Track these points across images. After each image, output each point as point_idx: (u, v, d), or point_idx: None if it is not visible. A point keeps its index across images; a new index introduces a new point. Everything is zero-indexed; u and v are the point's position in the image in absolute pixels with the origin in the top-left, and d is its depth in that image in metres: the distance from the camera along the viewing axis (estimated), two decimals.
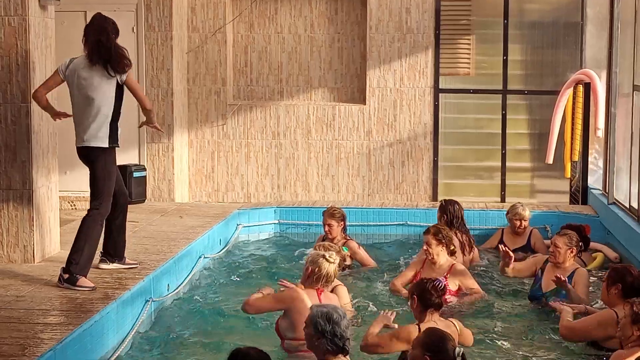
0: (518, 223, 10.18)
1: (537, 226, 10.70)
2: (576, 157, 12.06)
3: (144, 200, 12.07)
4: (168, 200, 12.34)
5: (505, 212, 10.50)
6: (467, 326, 6.84)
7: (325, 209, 9.84)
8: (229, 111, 12.88)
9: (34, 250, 8.39)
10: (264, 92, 13.08)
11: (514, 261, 8.59)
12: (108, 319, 6.87)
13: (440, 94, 12.74)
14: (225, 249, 10.46)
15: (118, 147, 7.79)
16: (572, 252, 8.09)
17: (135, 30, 12.17)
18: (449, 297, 7.87)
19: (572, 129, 12.00)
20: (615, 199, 11.04)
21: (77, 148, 7.72)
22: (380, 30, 12.65)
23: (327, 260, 6.77)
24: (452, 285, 8.17)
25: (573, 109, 12.02)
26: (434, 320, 6.32)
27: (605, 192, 11.50)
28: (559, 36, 12.79)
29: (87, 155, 7.69)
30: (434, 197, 12.67)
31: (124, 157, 11.52)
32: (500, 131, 12.79)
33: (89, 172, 7.77)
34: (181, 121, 12.63)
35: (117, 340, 6.95)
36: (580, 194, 12.27)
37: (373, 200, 12.62)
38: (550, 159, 12.07)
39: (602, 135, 11.71)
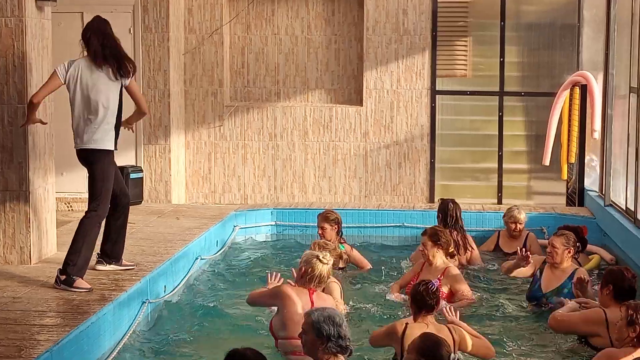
0: (513, 226, 10.18)
1: (534, 228, 10.70)
2: (573, 159, 12.07)
3: (141, 201, 12.06)
4: (165, 201, 12.34)
5: (502, 214, 10.51)
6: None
7: (322, 211, 9.80)
8: (226, 112, 12.87)
9: (30, 251, 8.38)
10: (261, 93, 13.08)
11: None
12: (105, 320, 6.86)
13: (437, 96, 12.74)
14: (221, 251, 10.46)
15: (116, 150, 7.79)
16: (569, 252, 8.10)
17: (132, 32, 12.16)
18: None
19: (569, 131, 12.01)
20: (612, 201, 11.05)
21: (78, 150, 7.71)
22: (377, 31, 12.66)
23: (320, 261, 6.78)
24: (444, 288, 8.15)
25: (570, 110, 12.03)
26: (425, 323, 6.29)
27: (602, 193, 11.51)
28: (555, 38, 12.81)
29: (87, 157, 7.68)
30: (431, 199, 12.67)
31: (120, 159, 11.44)
32: (497, 133, 12.80)
33: (87, 174, 7.78)
34: (178, 122, 12.63)
35: (113, 342, 6.94)
36: (576, 195, 12.28)
37: (370, 202, 12.61)
38: (547, 161, 12.09)
39: (598, 137, 11.73)
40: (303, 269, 6.80)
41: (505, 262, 8.85)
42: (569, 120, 12.03)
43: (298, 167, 12.84)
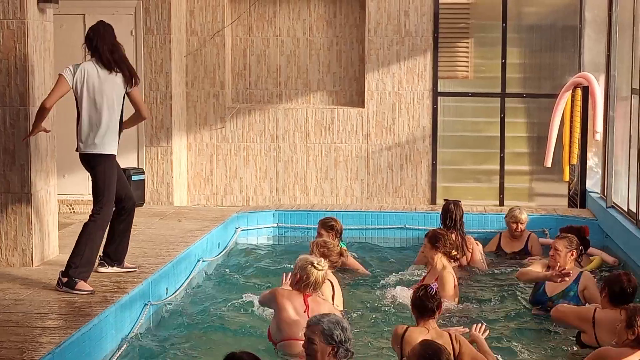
0: (514, 226, 10.18)
1: (535, 230, 10.69)
2: (574, 161, 12.07)
3: (143, 203, 12.06)
4: (167, 203, 12.34)
5: (503, 216, 10.50)
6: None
7: (323, 217, 9.66)
8: (228, 114, 12.88)
9: (32, 253, 8.39)
10: (263, 95, 13.09)
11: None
12: (107, 322, 6.86)
13: (438, 97, 12.75)
14: (223, 253, 10.46)
15: (115, 154, 7.80)
16: (572, 255, 8.10)
17: (133, 34, 12.17)
18: None
19: (571, 132, 12.01)
20: (614, 203, 11.05)
21: (81, 155, 7.71)
22: (379, 33, 12.66)
23: (315, 267, 6.80)
24: None
25: (571, 112, 12.03)
26: (426, 327, 6.25)
27: (604, 195, 11.50)
28: (557, 39, 12.81)
29: (89, 161, 7.69)
30: (433, 201, 12.67)
31: (122, 161, 11.42)
32: (499, 134, 12.80)
33: (90, 177, 7.79)
34: (180, 124, 12.63)
35: (115, 344, 6.95)
36: (578, 197, 12.28)
37: (372, 204, 12.61)
38: (548, 162, 12.08)
39: (600, 139, 11.72)
40: (298, 275, 6.82)
41: (524, 268, 8.59)
42: (571, 122, 12.02)
43: (300, 169, 12.84)
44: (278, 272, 9.52)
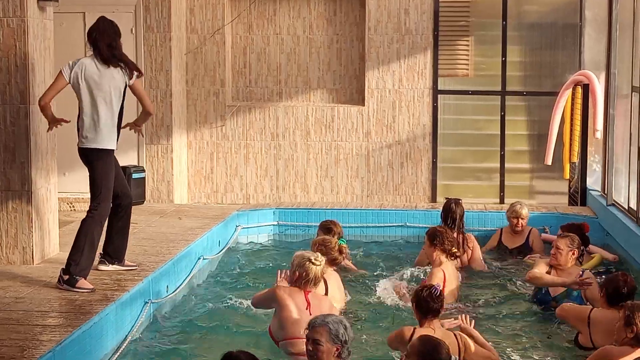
0: (515, 221, 10.17)
1: (536, 227, 10.67)
2: (575, 159, 12.07)
3: (143, 201, 12.07)
4: (167, 201, 12.34)
5: (504, 214, 10.50)
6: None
7: (324, 220, 9.60)
8: (228, 112, 12.88)
9: (33, 251, 8.39)
10: (263, 93, 13.09)
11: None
12: (107, 320, 6.86)
13: (439, 95, 12.75)
14: (224, 250, 10.46)
15: (115, 149, 7.80)
16: (573, 254, 8.10)
17: (134, 32, 12.17)
18: None
19: (571, 130, 12.01)
20: (614, 200, 11.05)
21: (80, 149, 7.71)
22: (379, 31, 12.66)
23: (313, 263, 6.81)
24: None
25: (572, 110, 12.03)
26: (431, 327, 6.25)
27: (604, 193, 11.50)
28: (557, 38, 12.81)
29: (87, 156, 7.68)
30: (433, 199, 12.67)
31: (123, 159, 11.47)
32: (499, 132, 12.80)
33: (88, 172, 7.78)
34: (180, 122, 12.63)
35: (116, 342, 6.95)
36: (579, 195, 12.28)
37: (372, 202, 12.61)
38: (549, 160, 12.08)
39: (600, 137, 11.72)
40: (297, 273, 6.82)
41: (529, 268, 8.54)
42: (571, 120, 12.03)
43: (300, 167, 12.85)
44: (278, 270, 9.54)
